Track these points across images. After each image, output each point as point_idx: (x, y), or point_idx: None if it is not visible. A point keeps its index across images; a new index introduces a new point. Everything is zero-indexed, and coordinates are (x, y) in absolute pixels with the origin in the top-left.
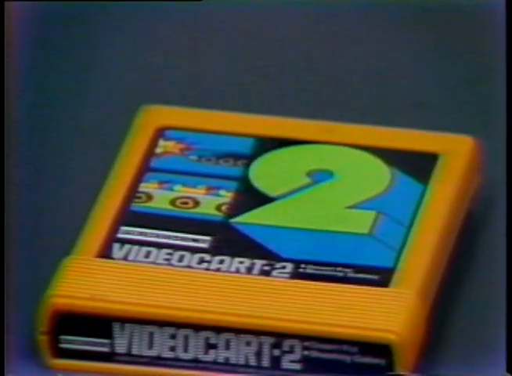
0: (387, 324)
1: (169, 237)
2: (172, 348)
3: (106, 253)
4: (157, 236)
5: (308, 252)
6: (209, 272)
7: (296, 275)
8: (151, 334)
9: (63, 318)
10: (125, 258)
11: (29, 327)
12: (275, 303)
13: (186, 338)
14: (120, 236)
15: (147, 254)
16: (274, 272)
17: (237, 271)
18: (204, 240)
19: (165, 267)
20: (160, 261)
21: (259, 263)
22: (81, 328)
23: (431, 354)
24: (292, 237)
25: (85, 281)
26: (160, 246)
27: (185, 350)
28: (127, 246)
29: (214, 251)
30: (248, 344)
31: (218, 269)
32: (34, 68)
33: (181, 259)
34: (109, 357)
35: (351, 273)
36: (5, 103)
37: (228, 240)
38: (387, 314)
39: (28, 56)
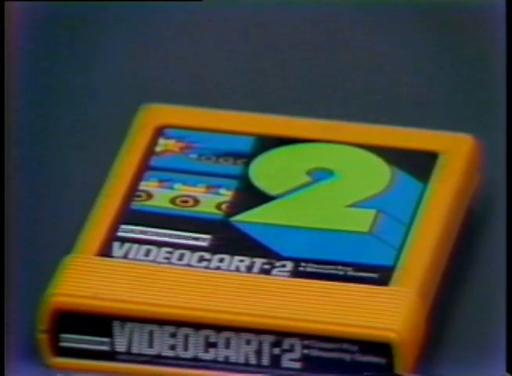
0: (387, 323)
1: (169, 236)
2: (172, 347)
3: (106, 251)
4: (157, 234)
5: (308, 251)
6: (209, 270)
7: (296, 273)
8: (151, 333)
9: (63, 316)
10: (125, 257)
11: (29, 326)
12: (276, 302)
13: (186, 336)
14: (120, 234)
15: (147, 253)
16: (274, 271)
17: (237, 269)
18: (204, 239)
19: (165, 266)
20: (160, 259)
21: (259, 262)
22: (81, 327)
23: (431, 354)
24: (292, 236)
25: (86, 280)
26: (160, 244)
27: (185, 349)
28: (127, 244)
29: (213, 249)
30: (248, 342)
31: (217, 268)
32: (34, 68)
33: (181, 258)
34: (109, 356)
35: (351, 272)
36: (5, 103)
37: (228, 239)
38: (387, 313)
39: (28, 55)
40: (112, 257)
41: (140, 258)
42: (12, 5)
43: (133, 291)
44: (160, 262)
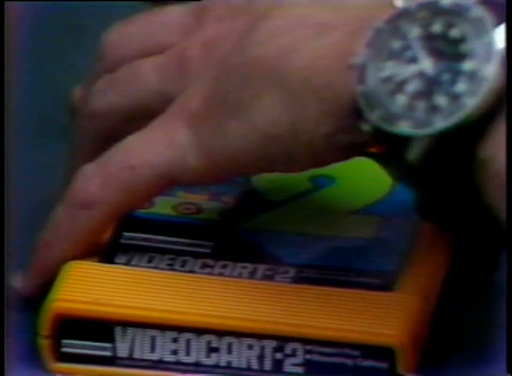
0: (389, 328)
1: (172, 243)
2: (174, 352)
3: (108, 259)
4: (160, 241)
5: (312, 257)
6: (211, 276)
7: (299, 279)
8: (153, 338)
9: (65, 322)
10: (127, 264)
11: (30, 331)
12: (277, 307)
13: (188, 341)
14: (122, 242)
15: (150, 260)
16: (277, 277)
17: (240, 276)
18: (207, 246)
19: (168, 272)
20: (162, 266)
21: (262, 268)
22: (83, 332)
23: (431, 355)
24: (295, 242)
25: (87, 285)
26: (162, 251)
27: (187, 354)
28: (129, 252)
29: (216, 256)
30: (250, 347)
31: (220, 274)
32: (34, 68)
33: (183, 264)
34: (110, 361)
35: (354, 277)
36: (5, 104)
37: (231, 246)
38: (389, 318)
39: (28, 56)
40: (114, 264)
41: (143, 265)
42: (12, 5)
43: (134, 297)
44: (162, 268)
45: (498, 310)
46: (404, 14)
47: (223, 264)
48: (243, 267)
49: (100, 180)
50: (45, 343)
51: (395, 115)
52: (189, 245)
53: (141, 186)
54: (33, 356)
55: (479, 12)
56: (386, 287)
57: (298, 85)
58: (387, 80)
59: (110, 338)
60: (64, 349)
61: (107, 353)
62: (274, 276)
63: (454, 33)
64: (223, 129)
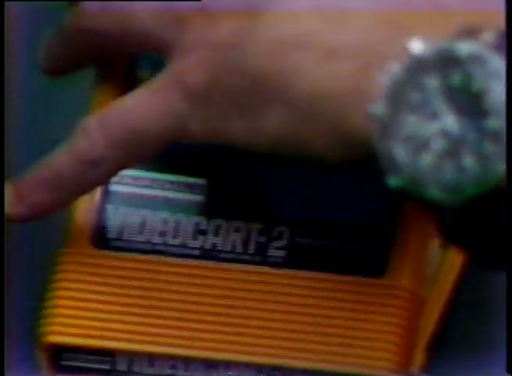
0: (382, 355)
1: (163, 189)
2: (173, 367)
3: (100, 235)
4: (151, 186)
5: (305, 208)
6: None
7: (291, 253)
8: (151, 354)
9: (61, 349)
10: (119, 238)
11: (30, 342)
12: (269, 337)
13: (187, 359)
14: (112, 189)
15: (141, 228)
16: (270, 249)
17: (233, 249)
18: (200, 187)
19: (163, 258)
20: (155, 240)
21: (255, 231)
22: (81, 352)
23: (432, 355)
24: (289, 181)
25: (79, 310)
26: (154, 206)
27: (186, 370)
28: (120, 210)
29: (209, 211)
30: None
31: (213, 247)
32: (34, 68)
33: (176, 234)
34: (110, 374)
35: (346, 244)
36: (5, 103)
37: (224, 190)
38: (383, 343)
39: (28, 56)
40: (107, 239)
41: (135, 240)
42: (12, 5)
43: (126, 325)
44: (155, 246)
45: (498, 310)
46: (420, 63)
47: (216, 228)
48: (236, 231)
49: (104, 140)
50: (43, 356)
51: (423, 178)
52: (182, 190)
53: (142, 148)
54: (32, 367)
55: (498, 64)
56: (377, 271)
57: (307, 110)
58: (411, 138)
59: (110, 353)
60: (63, 362)
61: (106, 367)
62: (267, 247)
63: (473, 85)
64: (228, 125)
